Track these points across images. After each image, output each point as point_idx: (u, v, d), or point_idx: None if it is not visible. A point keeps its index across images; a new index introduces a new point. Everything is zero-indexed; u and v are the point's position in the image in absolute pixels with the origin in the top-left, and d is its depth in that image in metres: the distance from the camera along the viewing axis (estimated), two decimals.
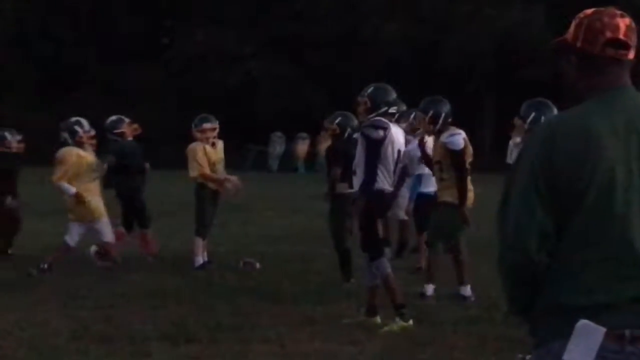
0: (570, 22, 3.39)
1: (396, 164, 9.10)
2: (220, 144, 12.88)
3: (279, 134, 39.70)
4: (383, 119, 8.98)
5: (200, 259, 12.46)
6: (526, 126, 8.68)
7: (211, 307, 9.92)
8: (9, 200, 13.45)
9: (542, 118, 7.92)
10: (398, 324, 8.79)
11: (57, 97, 43.44)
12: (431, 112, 10.15)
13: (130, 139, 13.34)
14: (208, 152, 12.56)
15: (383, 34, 41.11)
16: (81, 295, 10.57)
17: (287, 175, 35.82)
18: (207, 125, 12.78)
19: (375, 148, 8.89)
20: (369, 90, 9.20)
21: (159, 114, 39.19)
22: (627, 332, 3.15)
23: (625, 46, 3.31)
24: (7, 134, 14.05)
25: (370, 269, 9.03)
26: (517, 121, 9.69)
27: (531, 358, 3.33)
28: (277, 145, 40.12)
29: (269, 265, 12.56)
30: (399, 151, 9.08)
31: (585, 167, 3.16)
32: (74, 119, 12.72)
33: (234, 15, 44.02)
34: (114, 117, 13.62)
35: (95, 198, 12.08)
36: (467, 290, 10.27)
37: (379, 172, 8.88)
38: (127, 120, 13.53)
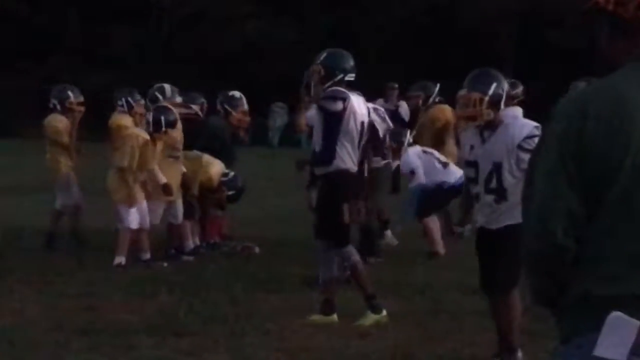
0: None
1: (360, 138, 8.97)
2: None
3: (280, 104, 39.20)
4: (341, 89, 8.88)
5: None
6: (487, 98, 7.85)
7: (204, 296, 9.94)
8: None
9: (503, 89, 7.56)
10: (370, 317, 8.82)
11: (34, 63, 43.55)
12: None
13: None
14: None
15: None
16: (60, 281, 10.57)
17: (289, 150, 35.79)
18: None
19: (335, 121, 8.79)
20: (322, 57, 9.06)
21: (145, 81, 39.11)
22: None
23: None
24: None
25: (327, 259, 8.99)
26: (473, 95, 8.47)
27: (559, 354, 3.34)
28: (278, 117, 39.64)
29: (269, 249, 12.56)
30: (362, 123, 8.96)
31: (619, 140, 3.16)
32: (61, 85, 12.78)
33: None
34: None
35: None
36: None
37: (338, 148, 8.77)
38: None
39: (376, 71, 28.74)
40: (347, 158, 8.80)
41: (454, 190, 11.71)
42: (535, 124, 7.29)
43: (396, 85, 17.95)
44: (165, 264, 11.63)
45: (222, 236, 13.13)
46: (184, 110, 12.58)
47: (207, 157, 12.29)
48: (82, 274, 10.95)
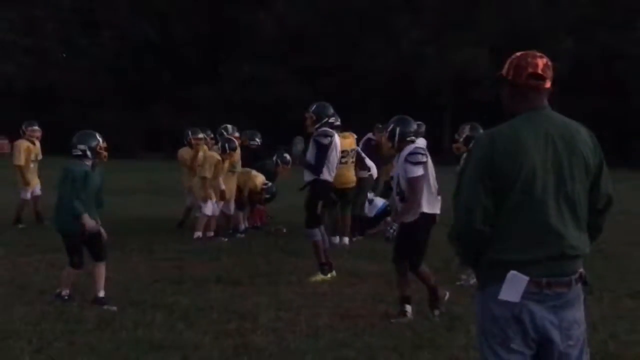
0: (505, 61, 3.42)
1: (338, 161, 9.02)
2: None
3: (299, 137, 39.25)
4: (329, 130, 8.83)
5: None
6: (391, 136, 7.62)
7: (251, 259, 9.90)
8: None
9: (397, 130, 7.28)
10: (319, 276, 8.67)
11: (141, 110, 43.67)
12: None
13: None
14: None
15: (375, 67, 41.14)
16: (160, 249, 10.55)
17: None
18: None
19: (324, 151, 8.72)
20: (313, 108, 8.96)
21: (206, 124, 39.08)
22: (544, 280, 3.19)
23: (543, 78, 3.34)
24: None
25: (307, 233, 8.88)
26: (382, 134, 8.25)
27: (476, 297, 3.35)
28: (298, 144, 39.63)
29: (293, 230, 12.51)
30: (338, 153, 9.01)
31: (516, 163, 3.19)
32: (192, 128, 12.57)
33: (268, 51, 43.95)
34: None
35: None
36: None
37: (324, 169, 8.72)
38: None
39: (359, 116, 28.63)
40: (327, 173, 8.78)
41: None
42: (417, 145, 7.00)
43: (380, 126, 17.25)
44: (225, 239, 11.60)
45: (262, 221, 13.12)
46: (244, 142, 12.64)
47: (254, 172, 12.31)
48: (174, 245, 10.94)
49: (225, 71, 45.33)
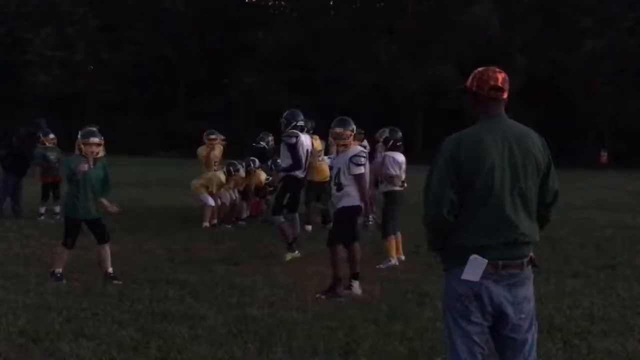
0: (469, 74, 3.40)
1: (306, 159, 8.92)
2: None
3: (266, 132, 38.69)
4: (295, 131, 8.82)
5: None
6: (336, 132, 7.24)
7: (250, 244, 9.85)
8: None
9: (341, 129, 7.04)
10: (288, 255, 8.66)
11: (158, 117, 43.53)
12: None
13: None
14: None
15: (358, 79, 41.19)
16: (172, 234, 10.50)
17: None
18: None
19: (294, 148, 8.72)
20: (285, 114, 9.03)
21: (214, 127, 38.94)
22: (500, 262, 3.18)
23: (502, 90, 3.32)
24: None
25: (271, 220, 8.88)
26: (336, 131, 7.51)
27: (443, 279, 3.34)
28: (265, 138, 39.07)
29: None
30: (307, 151, 8.91)
31: (478, 162, 3.17)
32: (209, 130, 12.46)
33: (267, 64, 43.84)
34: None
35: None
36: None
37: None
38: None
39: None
40: (298, 170, 8.77)
41: None
42: (361, 149, 7.02)
43: (362, 131, 16.71)
44: (229, 226, 11.54)
45: (258, 211, 12.80)
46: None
47: (259, 171, 12.31)
48: (184, 231, 10.89)
49: (230, 82, 45.20)
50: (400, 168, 8.49)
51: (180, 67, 45.94)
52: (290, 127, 8.86)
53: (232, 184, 11.89)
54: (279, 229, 8.78)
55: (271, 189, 12.27)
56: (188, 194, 12.91)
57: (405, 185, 8.69)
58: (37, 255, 8.64)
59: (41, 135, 12.20)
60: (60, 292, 6.66)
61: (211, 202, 11.54)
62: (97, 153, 7.22)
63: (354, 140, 7.32)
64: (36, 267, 7.84)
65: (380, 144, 8.91)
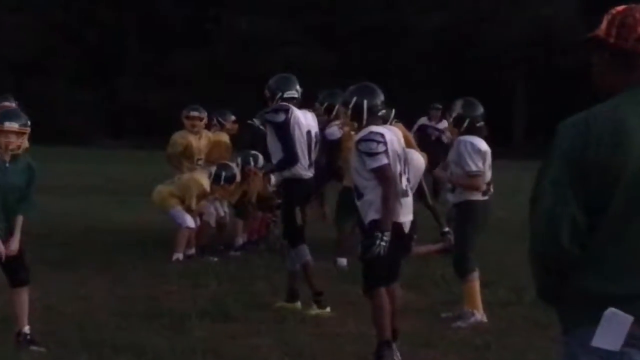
0: (601, 17, 3.37)
1: (309, 146, 8.99)
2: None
3: (261, 113, 38.80)
4: (283, 103, 8.94)
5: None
6: (349, 112, 7.63)
7: (250, 286, 9.93)
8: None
9: (365, 103, 7.26)
10: (315, 310, 8.76)
11: (101, 81, 43.87)
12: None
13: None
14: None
15: (422, 25, 41.26)
16: (126, 271, 10.57)
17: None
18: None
19: (284, 130, 8.83)
20: (269, 82, 9.22)
21: (199, 99, 39.21)
22: None
23: None
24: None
25: (291, 254, 9.03)
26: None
27: (560, 346, 3.33)
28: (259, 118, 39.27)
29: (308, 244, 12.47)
30: (308, 132, 9.00)
31: (618, 161, 3.14)
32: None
33: (274, 5, 44.08)
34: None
35: None
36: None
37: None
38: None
39: (403, 93, 28.63)
40: (299, 165, 8.85)
41: None
42: (374, 129, 7.06)
43: (439, 106, 16.70)
44: (215, 259, 11.60)
45: (261, 233, 12.87)
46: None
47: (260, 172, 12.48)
48: (143, 268, 10.95)
49: (215, 30, 45.51)
50: (483, 161, 8.45)
51: (133, 8, 46.24)
52: (275, 100, 9.02)
53: (218, 194, 11.91)
54: (304, 268, 8.90)
55: (280, 201, 12.33)
56: (151, 207, 13.01)
57: (492, 190, 8.68)
58: None
59: None
60: None
61: (189, 222, 11.58)
62: (18, 146, 7.10)
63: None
64: None
65: (449, 124, 8.93)
